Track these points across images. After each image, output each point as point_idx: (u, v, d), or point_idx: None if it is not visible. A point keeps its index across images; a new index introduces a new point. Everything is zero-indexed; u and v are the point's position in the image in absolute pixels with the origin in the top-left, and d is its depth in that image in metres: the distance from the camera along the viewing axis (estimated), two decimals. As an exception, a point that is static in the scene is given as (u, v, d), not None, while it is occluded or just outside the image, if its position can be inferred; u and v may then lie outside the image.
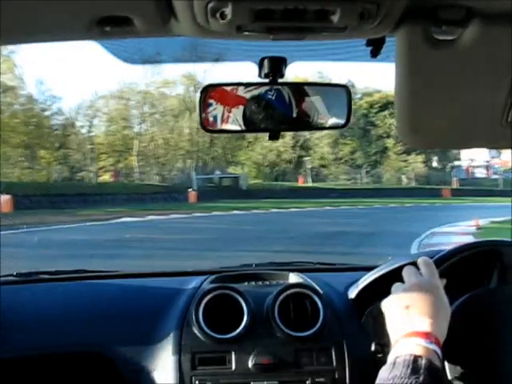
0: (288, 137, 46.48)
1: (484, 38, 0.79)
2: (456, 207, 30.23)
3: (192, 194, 33.16)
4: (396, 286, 1.12)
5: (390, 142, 47.36)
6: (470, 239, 9.32)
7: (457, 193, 40.68)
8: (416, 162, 46.62)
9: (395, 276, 1.16)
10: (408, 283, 1.10)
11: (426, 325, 1.01)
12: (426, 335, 0.99)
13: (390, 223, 19.90)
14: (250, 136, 47.00)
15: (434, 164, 49.06)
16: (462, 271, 1.39)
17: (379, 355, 1.39)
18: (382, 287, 1.26)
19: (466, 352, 1.15)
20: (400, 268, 1.23)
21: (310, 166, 45.66)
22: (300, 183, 43.25)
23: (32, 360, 1.62)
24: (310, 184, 43.33)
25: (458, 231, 15.50)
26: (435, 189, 41.92)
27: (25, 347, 1.62)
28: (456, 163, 51.41)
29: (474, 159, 54.40)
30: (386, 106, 47.66)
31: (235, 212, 25.31)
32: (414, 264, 1.16)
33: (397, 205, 31.22)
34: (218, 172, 41.25)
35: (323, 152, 47.37)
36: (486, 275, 1.42)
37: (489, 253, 1.41)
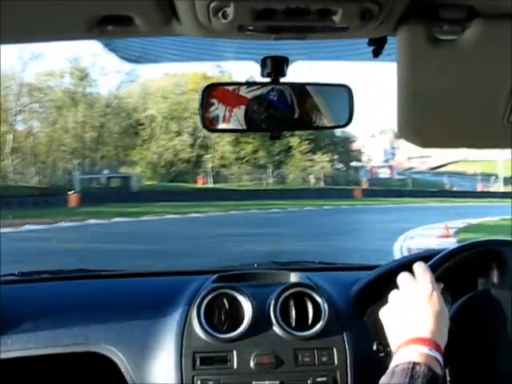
0: (186, 134, 41.27)
1: (485, 37, 0.78)
2: (382, 209, 25.97)
3: (73, 197, 27.22)
4: (393, 294, 1.09)
5: (294, 141, 43.41)
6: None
7: (368, 193, 36.93)
8: (322, 162, 42.32)
9: (397, 275, 1.14)
10: (404, 291, 1.07)
11: (424, 331, 0.98)
12: (426, 342, 0.97)
13: (329, 233, 14.71)
14: (145, 134, 41.80)
15: (338, 164, 45.06)
16: (459, 273, 1.34)
17: (381, 354, 1.32)
18: (383, 286, 1.25)
19: (466, 353, 1.13)
20: (401, 267, 1.26)
21: (210, 166, 41.08)
22: (200, 184, 37.90)
23: (32, 360, 1.55)
24: (211, 185, 37.84)
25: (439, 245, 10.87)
26: (346, 189, 37.99)
27: (25, 347, 1.54)
28: (354, 164, 48.09)
29: (372, 160, 52.46)
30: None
31: (118, 220, 18.92)
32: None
33: (314, 207, 26.33)
34: (106, 171, 34.56)
35: (224, 151, 42.68)
36: (484, 275, 1.35)
37: (485, 253, 1.33)
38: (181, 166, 42.67)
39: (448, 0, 0.73)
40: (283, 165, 43.21)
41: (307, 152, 43.05)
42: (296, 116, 1.18)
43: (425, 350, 0.95)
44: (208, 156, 41.67)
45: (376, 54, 0.88)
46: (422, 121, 0.86)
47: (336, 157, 44.38)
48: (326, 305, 1.56)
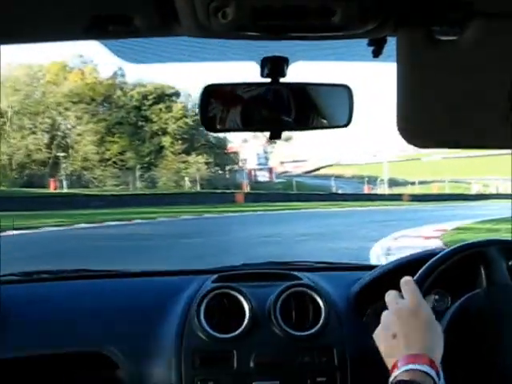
0: (41, 132, 34.18)
1: (485, 37, 0.78)
2: (283, 218, 20.36)
3: None
4: (383, 314, 1.05)
5: (166, 140, 37.79)
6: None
7: (251, 197, 31.98)
8: (197, 163, 36.70)
9: (397, 275, 1.14)
10: (391, 310, 1.03)
11: (416, 348, 0.95)
12: (417, 358, 0.94)
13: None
14: (-7, 132, 33.89)
15: (215, 166, 39.69)
16: (452, 277, 1.29)
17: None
18: (383, 286, 1.21)
19: (463, 362, 1.11)
20: (401, 267, 1.32)
21: (69, 168, 34.33)
22: (52, 189, 30.84)
23: (33, 360, 1.51)
24: (64, 190, 30.64)
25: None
26: (226, 193, 32.49)
27: (25, 347, 1.50)
28: (231, 166, 43.22)
29: (247, 163, 48.48)
30: (161, 98, 37.29)
31: None
32: (419, 263, 1.21)
33: (191, 215, 20.36)
34: None
35: (86, 151, 35.95)
36: (474, 278, 1.29)
37: (473, 255, 1.28)
38: (35, 169, 35.21)
39: (447, 0, 0.71)
40: (154, 167, 37.22)
41: (180, 153, 37.47)
42: (294, 116, 1.14)
43: (416, 367, 0.92)
44: (67, 156, 34.85)
45: (376, 54, 0.86)
46: (421, 121, 0.84)
47: (212, 158, 38.98)
48: (325, 305, 1.52)
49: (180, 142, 37.28)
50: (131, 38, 0.84)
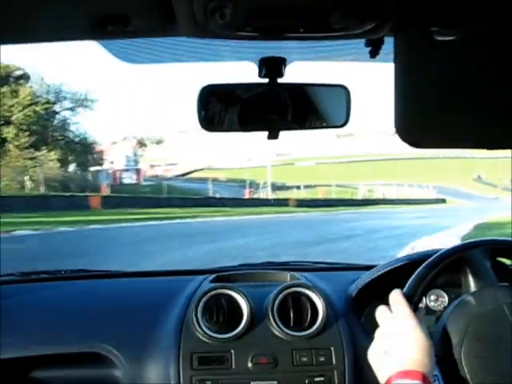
0: None
1: (483, 38, 0.77)
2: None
3: None
4: (376, 331, 1.03)
5: (10, 132, 29.82)
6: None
7: (112, 202, 25.73)
8: (49, 161, 29.60)
9: (395, 276, 1.15)
10: (382, 327, 1.02)
11: (406, 364, 0.93)
12: (409, 375, 0.91)
13: None
14: None
15: (72, 164, 32.74)
16: (442, 282, 1.32)
17: None
18: (381, 287, 1.20)
19: (459, 364, 1.07)
20: (400, 268, 1.30)
21: None
22: None
23: (32, 360, 1.47)
24: None
25: None
26: (80, 196, 25.86)
27: (24, 347, 1.46)
28: (94, 167, 36.75)
29: (115, 164, 42.70)
30: (5, 80, 29.90)
31: None
32: (416, 263, 1.20)
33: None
34: None
35: None
36: (464, 281, 1.27)
37: (457, 260, 1.25)
38: None
39: (446, 1, 0.71)
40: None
41: (28, 147, 29.86)
42: (291, 116, 1.12)
43: (406, 381, 0.90)
44: None
45: (373, 54, 0.84)
46: (420, 121, 0.82)
47: (70, 156, 31.82)
48: (323, 305, 1.47)
49: (27, 133, 29.77)
50: (129, 38, 0.83)
